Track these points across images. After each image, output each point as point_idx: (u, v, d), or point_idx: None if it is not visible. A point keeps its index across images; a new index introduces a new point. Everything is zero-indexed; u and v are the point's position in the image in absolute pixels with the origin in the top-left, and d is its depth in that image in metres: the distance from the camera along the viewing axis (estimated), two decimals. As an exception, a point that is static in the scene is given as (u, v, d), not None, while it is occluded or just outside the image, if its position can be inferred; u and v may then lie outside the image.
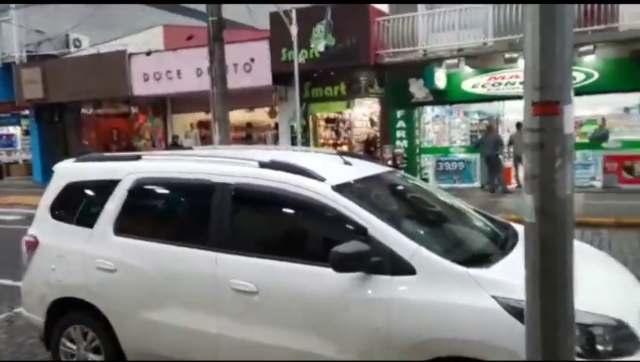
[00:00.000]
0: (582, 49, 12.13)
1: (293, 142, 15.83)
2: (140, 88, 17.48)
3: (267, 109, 17.52)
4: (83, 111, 20.78)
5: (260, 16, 15.18)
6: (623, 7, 11.96)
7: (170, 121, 19.51)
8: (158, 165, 4.02)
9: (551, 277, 2.09)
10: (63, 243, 4.02)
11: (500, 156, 14.01)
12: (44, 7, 18.55)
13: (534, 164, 2.08)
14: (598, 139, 13.80)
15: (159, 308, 3.58)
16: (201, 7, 12.05)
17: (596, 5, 11.94)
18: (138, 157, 4.11)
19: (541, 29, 2.03)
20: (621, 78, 12.69)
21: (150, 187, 3.98)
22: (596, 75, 12.92)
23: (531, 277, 2.14)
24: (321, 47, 14.53)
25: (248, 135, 19.21)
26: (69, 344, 3.99)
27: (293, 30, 13.10)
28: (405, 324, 2.86)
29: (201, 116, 18.53)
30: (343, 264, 2.90)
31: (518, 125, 14.12)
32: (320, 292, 3.10)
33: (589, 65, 12.83)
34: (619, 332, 2.69)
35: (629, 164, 13.48)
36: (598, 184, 13.70)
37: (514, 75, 13.70)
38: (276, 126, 17.66)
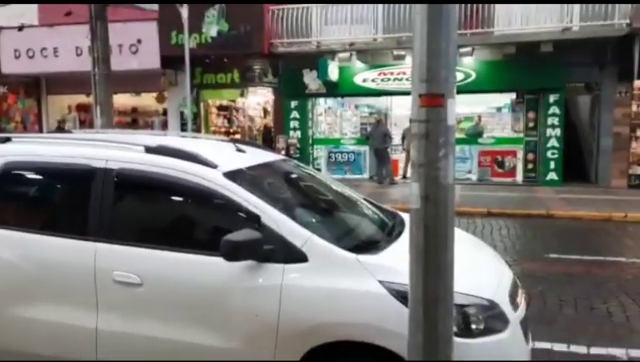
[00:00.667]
0: (462, 50, 12.97)
1: (183, 130, 15.33)
2: (10, 66, 15.93)
3: (155, 94, 16.77)
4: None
5: (147, -5, 14.46)
6: (498, 13, 12.95)
7: (46, 102, 17.99)
8: (30, 148, 3.68)
9: (433, 260, 2.22)
10: None
11: (388, 149, 14.64)
12: None
13: (421, 153, 2.19)
14: (474, 136, 14.88)
15: (33, 303, 3.29)
16: (83, -19, 11.18)
17: (475, 10, 12.81)
18: (7, 140, 3.74)
19: (429, 25, 2.14)
20: (495, 79, 13.77)
21: (21, 172, 3.64)
22: (474, 75, 13.90)
23: (415, 259, 2.25)
24: (213, 32, 14.17)
25: (134, 120, 18.25)
26: None
27: (184, 12, 12.63)
28: (296, 311, 2.88)
29: (81, 99, 17.28)
30: (234, 253, 2.85)
31: (411, 120, 14.84)
32: (210, 282, 3.03)
33: (467, 65, 13.77)
34: (490, 311, 2.90)
35: (500, 159, 14.73)
36: (473, 177, 14.81)
37: (401, 72, 14.34)
38: (165, 112, 16.97)
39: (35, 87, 17.80)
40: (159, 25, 14.67)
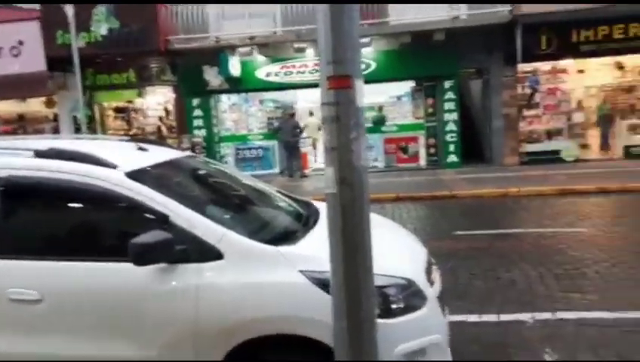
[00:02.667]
0: (360, 41, 13.21)
1: (78, 135, 14.40)
2: None
3: (43, 99, 15.61)
4: None
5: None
6: (391, 5, 13.36)
7: None
8: None
9: (352, 243, 2.22)
10: None
11: (299, 142, 14.67)
12: None
13: (332, 136, 2.16)
14: (377, 124, 15.30)
15: None
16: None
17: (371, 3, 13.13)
18: None
19: (332, 9, 2.11)
20: (394, 69, 14.22)
21: None
22: (373, 65, 14.26)
23: (335, 244, 2.23)
24: (103, 31, 13.43)
25: (21, 128, 16.88)
26: None
27: (70, 10, 11.82)
28: (215, 310, 2.77)
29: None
30: (143, 256, 2.68)
31: (311, 113, 14.99)
32: (120, 290, 2.84)
33: (367, 56, 14.09)
34: (408, 290, 2.96)
35: (404, 145, 15.27)
36: (380, 164, 15.24)
37: (303, 64, 14.40)
38: (56, 117, 15.85)
39: None
40: (42, 24, 13.66)
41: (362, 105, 2.17)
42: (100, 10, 13.47)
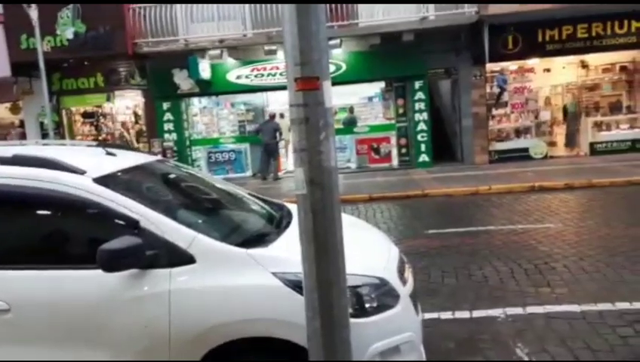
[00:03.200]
0: (330, 42, 13.28)
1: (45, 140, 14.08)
2: None
3: (8, 105, 15.24)
4: None
5: (-12, -3, 13.05)
6: (361, 5, 13.45)
7: None
8: None
9: (323, 243, 2.22)
10: None
11: (279, 144, 14.65)
12: None
13: (301, 137, 2.17)
14: (349, 125, 15.36)
15: None
16: None
17: (340, 3, 13.19)
18: None
19: (298, 10, 2.12)
20: (364, 70, 14.31)
21: None
22: (344, 67, 14.33)
23: (306, 246, 2.24)
24: (69, 34, 13.18)
25: (-15, 135, 16.48)
26: None
27: (33, 14, 11.56)
28: (187, 315, 2.74)
29: None
30: (112, 262, 2.63)
31: (282, 115, 14.99)
32: (88, 298, 2.79)
33: (337, 58, 14.15)
34: (381, 289, 2.97)
35: (376, 146, 15.38)
36: (352, 165, 15.31)
37: (274, 67, 14.38)
38: (22, 124, 15.49)
39: None
40: (5, 29, 13.33)
41: (331, 106, 2.18)
42: (66, 13, 13.22)
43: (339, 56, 14.18)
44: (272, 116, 14.87)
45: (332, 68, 13.98)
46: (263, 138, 14.49)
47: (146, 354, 2.79)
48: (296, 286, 2.68)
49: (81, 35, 13.25)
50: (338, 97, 15.00)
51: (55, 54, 13.16)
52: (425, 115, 14.65)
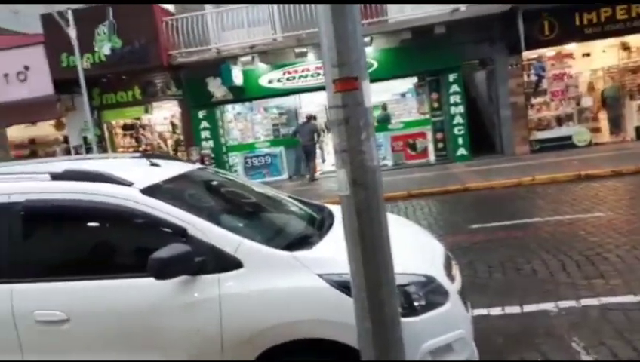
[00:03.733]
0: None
1: (89, 155, 14.52)
2: None
3: (53, 122, 15.79)
4: None
5: (28, 19, 13.55)
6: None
7: None
8: None
9: (370, 244, 2.21)
10: None
11: (317, 145, 14.68)
12: None
13: (342, 138, 2.16)
14: (383, 122, 15.27)
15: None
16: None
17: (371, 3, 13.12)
18: None
19: (334, 11, 2.11)
20: (396, 66, 14.20)
21: None
22: (375, 65, 14.25)
23: (353, 247, 2.23)
24: (106, 50, 13.55)
25: (33, 152, 17.09)
26: None
27: (72, 32, 11.96)
28: (238, 319, 2.78)
29: (-31, 136, 15.93)
30: (163, 270, 2.70)
31: (314, 117, 15.03)
32: (142, 305, 2.86)
33: (368, 55, 14.07)
34: (429, 286, 2.95)
35: (412, 141, 15.23)
36: (388, 163, 15.21)
37: (305, 69, 14.44)
38: (66, 139, 16.02)
39: None
40: (47, 48, 13.81)
41: (370, 105, 2.17)
42: (102, 29, 13.60)
43: (370, 54, 14.10)
44: (309, 118, 14.90)
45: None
46: (301, 140, 14.54)
47: (200, 358, 2.84)
48: (342, 286, 2.68)
49: (117, 50, 13.61)
50: (373, 94, 14.93)
51: (94, 70, 13.56)
52: (461, 108, 14.42)
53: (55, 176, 3.10)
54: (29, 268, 3.00)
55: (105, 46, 13.61)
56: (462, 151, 14.54)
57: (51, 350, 2.92)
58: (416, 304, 2.85)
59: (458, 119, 14.46)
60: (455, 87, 14.39)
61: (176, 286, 2.81)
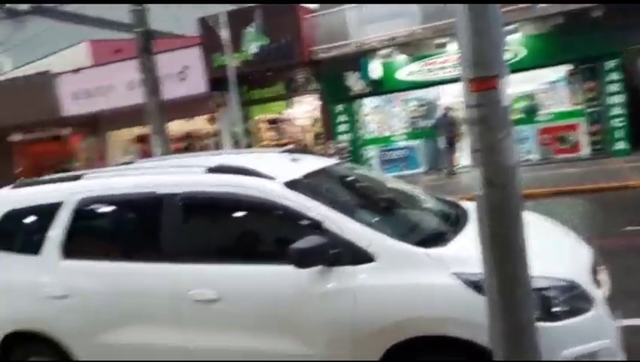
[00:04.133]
0: (506, 28, 12.59)
1: (237, 148, 15.64)
2: (71, 108, 16.80)
3: (206, 117, 17.23)
4: (12, 138, 19.71)
5: (187, 23, 14.91)
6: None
7: (106, 138, 18.85)
8: (100, 183, 3.87)
9: (505, 245, 2.17)
10: (8, 275, 3.81)
11: (455, 138, 14.31)
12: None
13: (478, 137, 2.14)
14: (529, 114, 14.36)
15: (119, 328, 3.45)
16: (126, 19, 11.70)
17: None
18: (78, 177, 3.95)
19: (473, 10, 2.09)
20: (546, 53, 13.27)
21: (95, 205, 3.83)
22: (523, 52, 13.45)
23: (487, 247, 2.20)
24: (254, 49, 14.44)
25: (189, 145, 18.82)
26: (28, 378, 3.79)
27: (224, 34, 12.94)
28: (371, 311, 2.88)
29: (139, 130, 17.99)
30: (302, 259, 2.89)
31: (466, 106, 14.53)
32: (282, 291, 3.08)
33: (514, 43, 13.34)
34: (571, 292, 2.79)
35: (562, 134, 14.13)
36: (534, 157, 14.27)
37: (445, 60, 14.07)
38: (217, 133, 17.41)
39: (95, 125, 18.68)
40: (202, 49, 15.10)
41: (508, 104, 2.12)
42: (250, 30, 14.52)
43: (516, 42, 13.35)
44: (447, 109, 14.53)
45: (508, 55, 13.24)
46: (440, 132, 14.26)
47: (332, 346, 2.98)
48: (475, 285, 2.66)
49: (264, 48, 14.44)
50: (516, 85, 14.11)
51: (243, 68, 14.53)
52: (621, 98, 13.06)
53: (210, 170, 3.45)
54: (185, 252, 3.37)
55: (253, 45, 14.52)
56: (620, 145, 13.19)
57: (205, 326, 3.26)
58: (555, 309, 2.74)
59: (617, 110, 13.13)
60: (614, 75, 13.08)
61: (313, 276, 2.98)
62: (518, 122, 13.95)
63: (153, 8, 11.47)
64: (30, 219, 4.01)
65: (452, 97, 15.03)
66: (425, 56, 14.39)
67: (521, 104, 14.65)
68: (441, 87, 15.26)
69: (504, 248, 2.18)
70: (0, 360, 3.85)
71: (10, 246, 3.91)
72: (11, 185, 4.28)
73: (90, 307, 3.52)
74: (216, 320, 3.24)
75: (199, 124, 18.00)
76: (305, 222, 3.11)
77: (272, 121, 17.53)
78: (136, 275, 3.43)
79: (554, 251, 3.23)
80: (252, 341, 3.14)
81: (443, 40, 13.43)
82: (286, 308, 3.08)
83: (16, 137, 19.61)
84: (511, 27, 12.65)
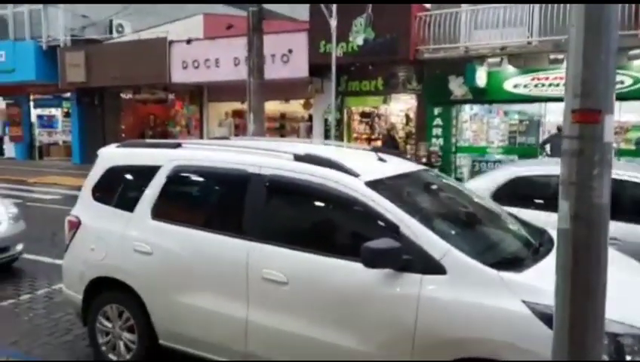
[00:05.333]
0: (631, 52, 11.77)
1: (327, 135, 15.85)
2: (179, 75, 17.78)
3: (302, 101, 17.59)
4: (122, 96, 21.25)
5: (299, 8, 15.21)
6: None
7: (207, 109, 19.79)
8: (196, 153, 4.11)
9: (584, 282, 2.09)
10: (103, 225, 4.16)
11: None
12: (90, -7, 19.05)
13: (572, 170, 2.07)
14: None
15: (191, 291, 3.68)
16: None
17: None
18: (178, 145, 4.22)
19: (585, 34, 2.02)
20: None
21: (188, 174, 4.09)
22: (646, 79, 12.50)
23: (562, 281, 2.14)
24: (360, 41, 14.48)
25: (282, 126, 19.34)
26: (105, 322, 4.15)
27: (333, 22, 13.09)
28: (432, 322, 2.88)
29: (236, 105, 18.73)
30: (373, 260, 2.94)
31: (563, 136, 13.68)
32: (348, 286, 3.15)
33: (636, 69, 12.43)
34: (650, 343, 2.64)
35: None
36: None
37: (558, 77, 13.36)
38: (310, 118, 17.72)
39: (198, 94, 19.68)
40: (309, 35, 15.37)
41: (610, 141, 2.03)
42: (359, 21, 14.56)
43: (637, 68, 12.41)
44: (560, 129, 13.65)
45: (629, 81, 12.37)
46: (551, 153, 13.41)
47: (387, 348, 3.02)
48: (544, 317, 2.59)
49: (370, 42, 14.45)
50: (634, 113, 13.10)
51: (345, 59, 14.64)
52: None
53: (297, 157, 3.56)
54: (264, 231, 3.52)
55: (359, 37, 14.55)
56: None
57: (270, 306, 3.40)
58: (629, 358, 2.60)
59: None
60: None
61: (380, 277, 3.02)
62: (631, 153, 13.01)
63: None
64: (129, 178, 4.35)
65: (556, 116, 14.27)
66: (536, 70, 13.76)
67: (636, 134, 13.62)
68: (546, 104, 14.57)
69: (582, 285, 2.10)
70: (84, 302, 4.24)
71: (108, 200, 4.26)
72: (116, 144, 4.65)
73: (170, 267, 3.78)
74: (280, 302, 3.37)
75: (294, 107, 18.42)
76: (381, 223, 3.15)
77: (366, 115, 17.56)
78: (215, 245, 3.63)
79: (634, 294, 3.05)
80: (310, 329, 3.24)
81: (559, 56, 12.77)
82: (349, 304, 3.14)
83: (126, 95, 21.10)
84: (637, 51, 11.79)
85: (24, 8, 21.11)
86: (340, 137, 15.77)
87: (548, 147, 13.36)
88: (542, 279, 2.80)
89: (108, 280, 4.08)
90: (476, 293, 2.83)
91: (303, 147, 3.96)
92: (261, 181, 3.58)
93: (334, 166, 3.41)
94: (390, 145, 14.66)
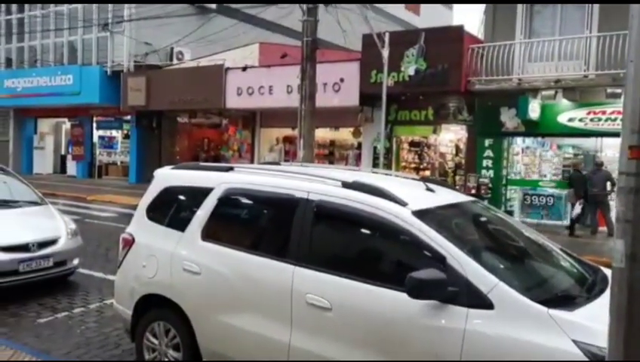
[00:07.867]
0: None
1: (375, 164, 15.85)
2: (233, 101, 18.31)
3: (351, 129, 17.73)
4: (178, 119, 22.05)
5: (352, 38, 15.45)
6: None
7: (258, 134, 20.22)
8: (247, 177, 4.20)
9: (637, 324, 2.02)
10: (155, 243, 4.30)
11: (608, 196, 12.82)
12: (153, 21, 20.00)
13: (628, 208, 2.02)
14: None
15: (237, 313, 3.74)
16: (297, 27, 12.49)
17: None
18: (230, 169, 4.34)
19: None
20: None
21: (238, 197, 4.19)
22: None
23: (616, 322, 2.07)
24: (411, 71, 14.54)
25: (331, 153, 19.49)
26: (152, 338, 4.25)
27: (385, 52, 13.22)
28: (477, 357, 2.81)
29: (287, 131, 19.07)
30: (418, 290, 2.91)
31: (619, 172, 13.19)
32: (392, 316, 3.12)
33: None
34: None
35: None
36: None
37: (616, 111, 12.95)
38: (359, 146, 17.80)
39: (250, 120, 20.19)
40: (361, 65, 15.56)
41: (669, 179, 1.97)
42: (411, 52, 14.65)
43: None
44: (600, 164, 13.23)
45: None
46: (591, 189, 13.01)
47: None
48: (596, 359, 2.50)
49: (421, 72, 14.49)
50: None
51: (396, 88, 14.71)
52: None
53: (345, 185, 3.60)
54: (310, 257, 3.55)
55: (411, 67, 14.62)
56: None
57: (313, 331, 3.41)
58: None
59: None
60: None
61: (425, 308, 2.99)
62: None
63: (322, 19, 12.12)
64: (182, 199, 4.50)
65: (612, 151, 13.80)
66: (592, 104, 13.40)
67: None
68: (603, 139, 14.13)
69: (635, 328, 2.02)
70: (133, 318, 4.36)
71: (161, 219, 4.41)
72: (171, 166, 4.83)
73: (216, 287, 3.86)
74: (323, 327, 3.37)
75: (344, 134, 18.57)
76: (427, 253, 3.12)
77: (415, 144, 17.50)
78: (261, 268, 3.68)
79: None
80: (351, 356, 3.22)
81: (617, 90, 12.41)
82: (392, 333, 3.12)
83: (182, 119, 21.88)
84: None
85: (92, 35, 22.39)
86: (388, 166, 15.74)
87: (589, 182, 12.92)
88: (595, 319, 2.70)
89: (157, 297, 4.20)
90: (525, 330, 2.75)
91: (351, 174, 4.00)
92: (309, 206, 3.63)
93: (382, 194, 3.42)
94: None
